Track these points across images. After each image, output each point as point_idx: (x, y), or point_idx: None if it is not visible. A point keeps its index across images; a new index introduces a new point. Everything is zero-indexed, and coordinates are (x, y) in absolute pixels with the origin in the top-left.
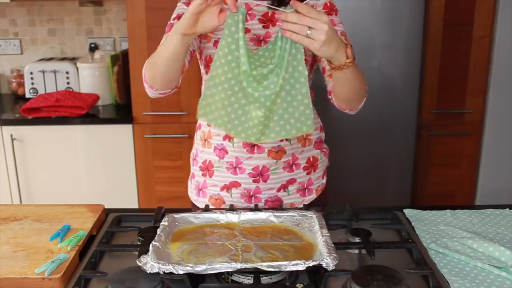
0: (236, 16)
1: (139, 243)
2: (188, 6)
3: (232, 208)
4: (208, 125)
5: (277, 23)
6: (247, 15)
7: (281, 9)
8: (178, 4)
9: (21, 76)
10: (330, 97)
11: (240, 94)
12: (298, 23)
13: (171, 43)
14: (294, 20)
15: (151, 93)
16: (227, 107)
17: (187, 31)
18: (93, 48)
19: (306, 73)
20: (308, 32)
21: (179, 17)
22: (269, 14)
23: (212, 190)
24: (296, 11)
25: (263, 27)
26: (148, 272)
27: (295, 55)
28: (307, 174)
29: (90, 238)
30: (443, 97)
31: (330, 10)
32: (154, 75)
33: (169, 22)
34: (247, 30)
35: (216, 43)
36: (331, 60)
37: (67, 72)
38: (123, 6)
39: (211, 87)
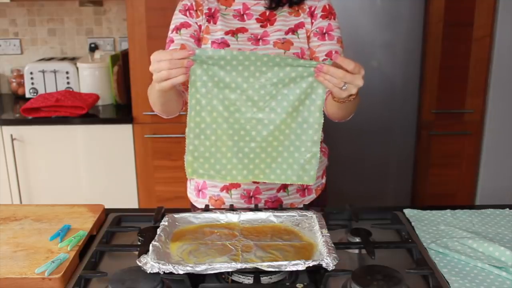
0: (199, 65)
1: (139, 243)
2: (184, 15)
3: (232, 208)
4: None
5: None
6: (245, 15)
7: (323, 62)
8: (175, 12)
9: (21, 76)
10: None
11: (231, 131)
12: (338, 79)
13: (155, 94)
14: (336, 76)
15: (164, 116)
16: (215, 153)
17: (166, 91)
18: (93, 48)
19: (322, 120)
20: (344, 87)
21: (177, 28)
22: (267, 13)
23: (212, 191)
24: (335, 63)
25: (261, 26)
26: (148, 272)
27: (314, 100)
28: None
29: (90, 238)
30: (443, 97)
31: (328, 13)
32: (154, 107)
33: (168, 36)
34: (244, 30)
35: (213, 43)
36: (336, 97)
37: (67, 72)
38: (123, 6)
39: (193, 139)
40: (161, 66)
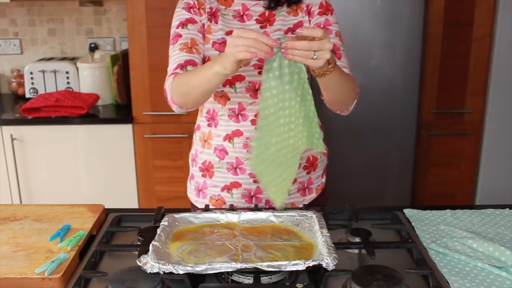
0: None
1: (139, 243)
2: (188, 12)
3: (232, 208)
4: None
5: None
6: (244, 16)
7: (281, 37)
8: (177, 9)
9: (21, 76)
10: (322, 98)
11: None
12: (306, 50)
13: (211, 81)
14: (302, 47)
15: (178, 110)
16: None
17: (233, 72)
18: (93, 48)
19: (310, 91)
20: (315, 56)
21: (183, 24)
22: (266, 14)
23: (213, 191)
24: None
25: (260, 27)
26: (148, 272)
27: (299, 74)
28: (307, 173)
29: (90, 238)
30: (443, 97)
31: (326, 9)
32: (187, 101)
33: (174, 31)
34: None
35: (214, 43)
36: (315, 68)
37: (67, 72)
38: (123, 6)
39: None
40: (245, 41)
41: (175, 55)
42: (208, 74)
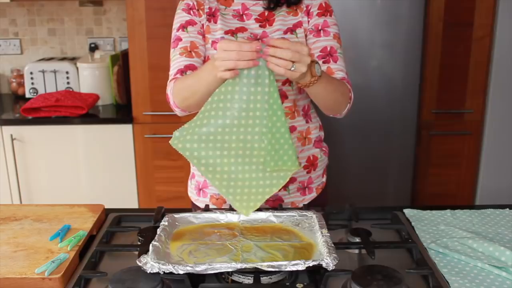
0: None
1: (139, 243)
2: (188, 13)
3: (232, 208)
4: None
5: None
6: (244, 15)
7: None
8: (177, 11)
9: (21, 76)
10: None
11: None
12: (285, 59)
13: (213, 84)
14: (283, 56)
15: (181, 114)
16: (248, 186)
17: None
18: (93, 48)
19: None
20: (293, 68)
21: (183, 27)
22: (266, 14)
23: (213, 190)
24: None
25: (260, 26)
26: (148, 272)
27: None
28: (307, 173)
29: (90, 238)
30: (443, 97)
31: (325, 10)
32: (191, 104)
33: (174, 34)
34: (244, 29)
35: (213, 43)
36: (298, 80)
37: (67, 72)
38: (123, 6)
39: (222, 188)
40: (230, 55)
41: (175, 60)
42: (209, 79)
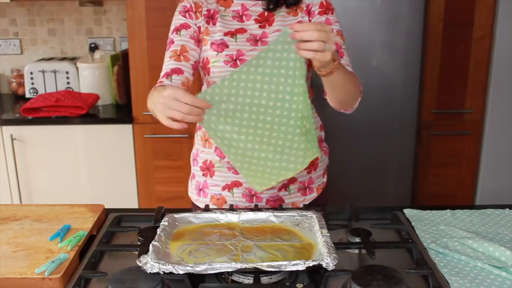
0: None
1: (139, 243)
2: (183, 16)
3: (232, 208)
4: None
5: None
6: (243, 16)
7: (279, 33)
8: (175, 13)
9: (21, 76)
10: (325, 97)
11: (265, 139)
12: (316, 40)
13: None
14: (313, 38)
15: None
16: (263, 165)
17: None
18: (93, 48)
19: (308, 97)
20: (327, 47)
21: (177, 29)
22: (265, 14)
23: (214, 190)
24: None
25: (259, 27)
26: (148, 272)
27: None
28: (308, 173)
29: (90, 238)
30: (443, 97)
31: (326, 9)
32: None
33: (169, 36)
34: (243, 31)
35: (212, 44)
36: (322, 68)
37: (67, 72)
38: (123, 6)
39: (237, 162)
40: (181, 107)
41: (165, 63)
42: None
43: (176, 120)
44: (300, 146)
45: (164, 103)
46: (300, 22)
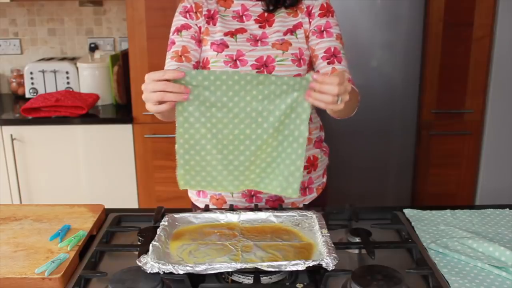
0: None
1: (139, 243)
2: (184, 17)
3: (232, 208)
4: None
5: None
6: (243, 16)
7: (307, 75)
8: (176, 14)
9: (21, 76)
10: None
11: (220, 146)
12: (331, 95)
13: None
14: (330, 92)
15: None
16: (206, 167)
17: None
18: (93, 48)
19: (307, 134)
20: (339, 101)
21: (178, 30)
22: (265, 15)
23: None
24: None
25: (259, 27)
26: (148, 272)
27: (300, 114)
28: (308, 173)
29: (90, 238)
30: (443, 97)
31: (326, 11)
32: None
33: (170, 37)
34: (243, 31)
35: (212, 44)
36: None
37: (67, 72)
38: (123, 6)
39: (183, 154)
40: (157, 86)
41: (167, 64)
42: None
43: (162, 103)
44: (266, 170)
45: (145, 89)
46: (323, 73)
